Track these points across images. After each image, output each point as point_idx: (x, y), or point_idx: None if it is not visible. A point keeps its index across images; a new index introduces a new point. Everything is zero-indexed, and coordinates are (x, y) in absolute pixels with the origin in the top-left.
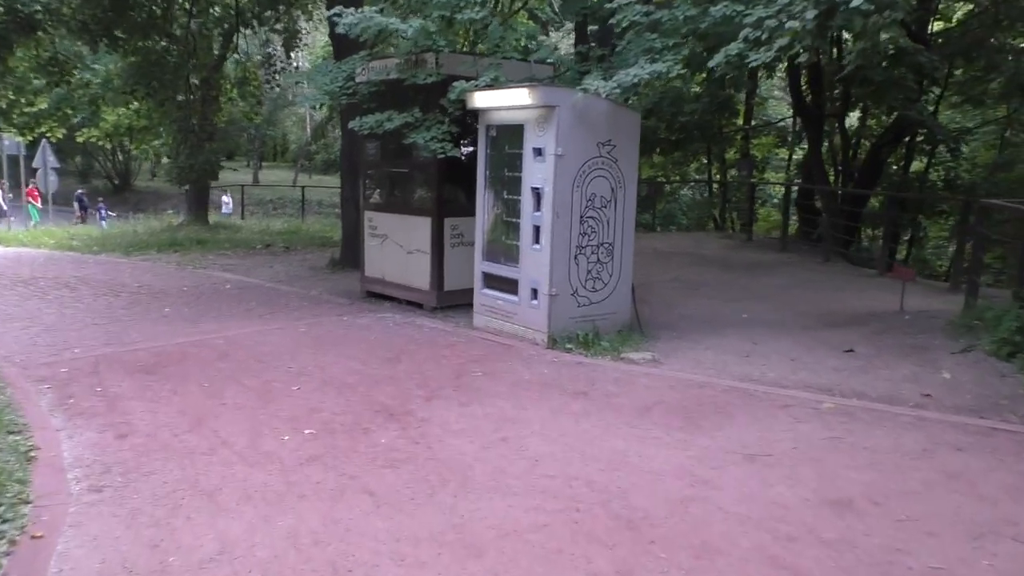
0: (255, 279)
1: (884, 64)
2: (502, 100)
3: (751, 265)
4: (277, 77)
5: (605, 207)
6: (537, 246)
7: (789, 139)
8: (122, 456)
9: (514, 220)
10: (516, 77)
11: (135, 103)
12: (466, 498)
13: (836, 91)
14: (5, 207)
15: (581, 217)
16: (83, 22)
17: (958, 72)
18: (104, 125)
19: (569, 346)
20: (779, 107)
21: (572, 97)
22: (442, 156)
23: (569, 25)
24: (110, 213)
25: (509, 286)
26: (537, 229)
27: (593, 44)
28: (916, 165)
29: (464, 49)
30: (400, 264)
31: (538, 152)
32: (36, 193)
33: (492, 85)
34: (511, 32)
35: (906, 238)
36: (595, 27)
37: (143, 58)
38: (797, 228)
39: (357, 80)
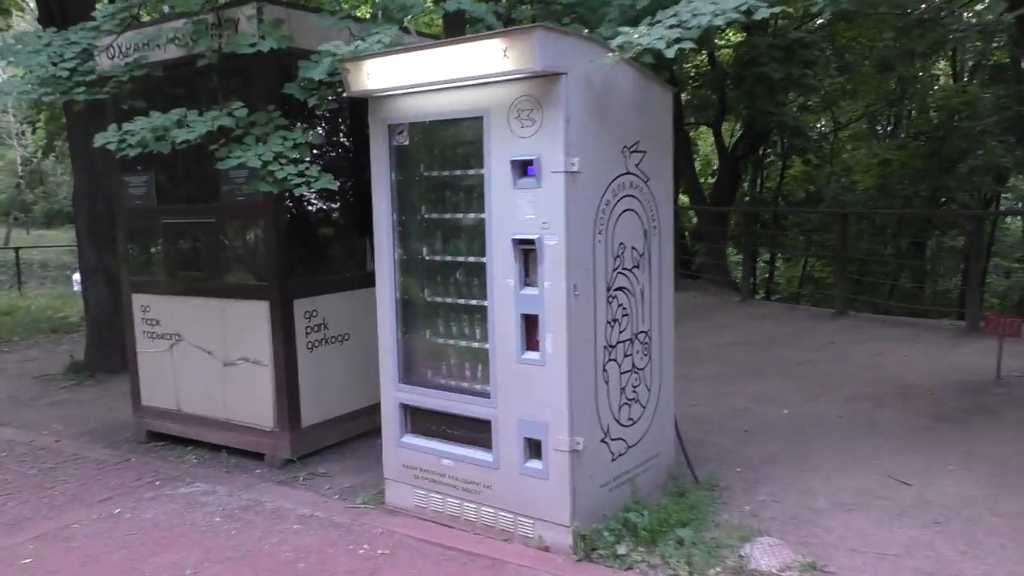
0: None
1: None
2: (434, 70)
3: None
4: None
5: (637, 266)
6: (533, 355)
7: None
8: None
9: (460, 302)
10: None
11: None
12: None
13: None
14: None
15: (608, 290)
16: None
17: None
18: None
19: (622, 551)
20: None
21: (593, 59)
22: (299, 191)
23: None
24: None
25: (466, 431)
26: (528, 321)
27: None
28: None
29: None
30: (212, 384)
31: (523, 169)
32: None
33: (395, 49)
34: None
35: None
36: None
37: None
38: None
39: (101, 63)
